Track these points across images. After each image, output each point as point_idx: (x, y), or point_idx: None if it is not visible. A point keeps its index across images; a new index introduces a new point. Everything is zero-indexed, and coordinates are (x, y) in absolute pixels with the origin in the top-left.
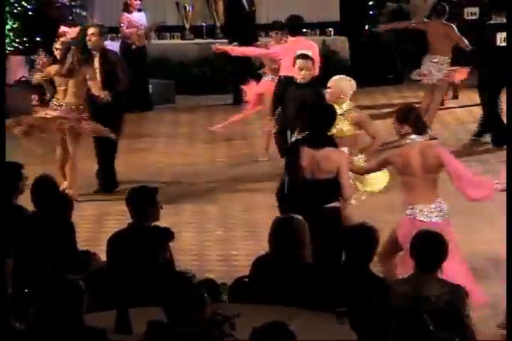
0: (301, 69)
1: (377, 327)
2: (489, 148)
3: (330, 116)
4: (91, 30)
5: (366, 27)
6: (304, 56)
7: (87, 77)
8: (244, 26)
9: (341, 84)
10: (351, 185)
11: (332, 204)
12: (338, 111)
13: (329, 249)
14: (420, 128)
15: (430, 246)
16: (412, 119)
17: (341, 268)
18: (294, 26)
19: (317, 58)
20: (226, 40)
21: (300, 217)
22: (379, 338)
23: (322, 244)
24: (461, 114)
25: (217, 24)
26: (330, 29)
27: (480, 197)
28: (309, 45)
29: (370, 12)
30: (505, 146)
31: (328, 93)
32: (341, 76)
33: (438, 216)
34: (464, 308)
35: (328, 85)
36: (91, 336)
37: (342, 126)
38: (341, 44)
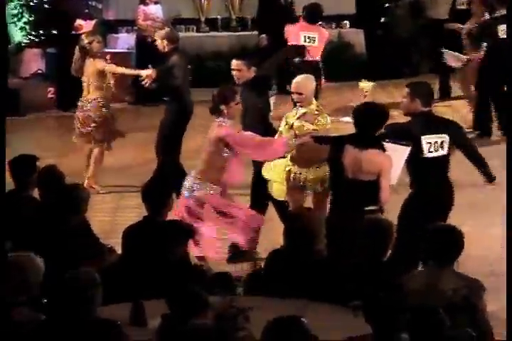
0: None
1: (391, 321)
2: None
3: (379, 116)
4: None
5: (382, 19)
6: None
7: (101, 66)
8: (279, 19)
9: (311, 86)
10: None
11: (370, 208)
12: (311, 110)
13: (366, 249)
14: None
15: (446, 240)
16: None
17: (356, 261)
18: (311, 14)
19: (321, 44)
20: (242, 33)
21: (315, 211)
22: (393, 331)
23: (359, 245)
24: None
25: (233, 17)
26: (345, 22)
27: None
28: (317, 29)
29: (386, 4)
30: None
31: (300, 99)
32: (305, 76)
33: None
34: (480, 303)
35: (298, 91)
36: (105, 328)
37: (322, 121)
38: (357, 37)
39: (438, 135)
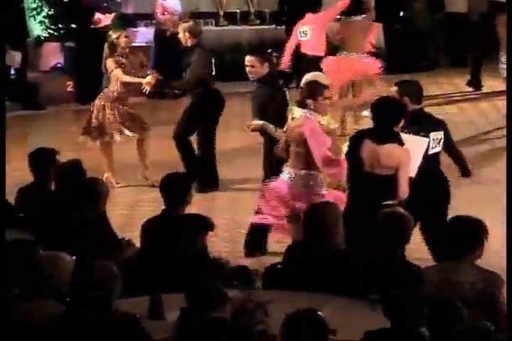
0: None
1: (410, 314)
2: None
3: (397, 110)
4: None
5: (401, 13)
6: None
7: (110, 67)
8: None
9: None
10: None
11: (388, 202)
12: None
13: (384, 243)
14: None
15: (463, 231)
16: None
17: (374, 255)
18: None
19: (318, 35)
20: (260, 27)
21: (334, 204)
22: (412, 325)
23: (377, 239)
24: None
25: (251, 10)
26: (364, 15)
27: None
28: (314, 21)
29: None
30: None
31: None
32: (316, 74)
33: None
34: (497, 297)
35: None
36: (124, 321)
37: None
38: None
39: (436, 132)
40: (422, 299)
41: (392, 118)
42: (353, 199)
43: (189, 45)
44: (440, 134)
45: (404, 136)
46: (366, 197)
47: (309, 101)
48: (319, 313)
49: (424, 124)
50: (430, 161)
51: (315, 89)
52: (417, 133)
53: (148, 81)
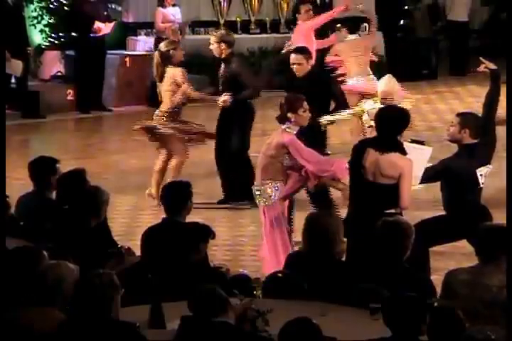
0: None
1: (411, 324)
2: None
3: (400, 120)
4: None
5: (401, 22)
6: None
7: (174, 80)
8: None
9: (396, 87)
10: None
11: (391, 211)
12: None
13: (385, 251)
14: None
15: (493, 236)
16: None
17: (375, 263)
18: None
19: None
20: (260, 35)
21: (334, 213)
22: (413, 335)
23: (378, 247)
24: None
25: (252, 19)
26: (364, 24)
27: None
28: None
29: (405, 7)
30: None
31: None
32: (389, 78)
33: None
34: None
35: (386, 90)
36: (124, 330)
37: None
38: (376, 39)
39: (486, 165)
40: (422, 308)
41: (395, 127)
42: (355, 208)
43: (223, 56)
44: (488, 167)
45: (408, 145)
46: (369, 206)
47: (290, 115)
48: (313, 321)
49: (478, 159)
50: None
51: (294, 102)
52: (421, 142)
53: (224, 99)
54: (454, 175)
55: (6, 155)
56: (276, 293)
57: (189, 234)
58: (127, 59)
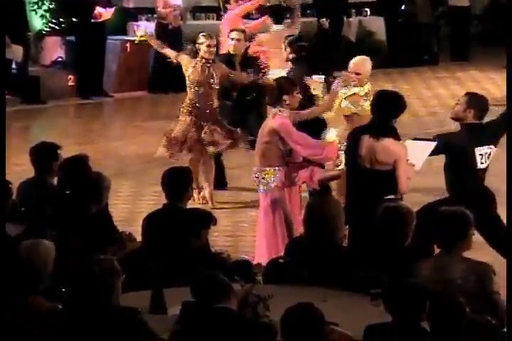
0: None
1: (411, 309)
2: None
3: (395, 105)
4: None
5: (402, 7)
6: None
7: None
8: (335, 4)
9: (368, 67)
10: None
11: (390, 197)
12: (362, 91)
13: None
14: None
15: (449, 224)
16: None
17: (376, 250)
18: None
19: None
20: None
21: (335, 199)
22: (413, 320)
23: (378, 233)
24: None
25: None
26: (366, 9)
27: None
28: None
29: None
30: None
31: (358, 79)
32: (363, 57)
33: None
34: (492, 287)
35: (356, 71)
36: (125, 315)
37: (365, 106)
38: (377, 24)
39: (488, 146)
40: (423, 293)
41: (389, 112)
42: (354, 196)
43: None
44: (491, 148)
45: (411, 143)
46: (367, 193)
47: (285, 97)
48: (314, 306)
49: (482, 138)
50: (480, 176)
51: (289, 84)
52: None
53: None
54: (452, 150)
55: (7, 141)
56: (277, 279)
57: (190, 220)
58: (128, 44)
